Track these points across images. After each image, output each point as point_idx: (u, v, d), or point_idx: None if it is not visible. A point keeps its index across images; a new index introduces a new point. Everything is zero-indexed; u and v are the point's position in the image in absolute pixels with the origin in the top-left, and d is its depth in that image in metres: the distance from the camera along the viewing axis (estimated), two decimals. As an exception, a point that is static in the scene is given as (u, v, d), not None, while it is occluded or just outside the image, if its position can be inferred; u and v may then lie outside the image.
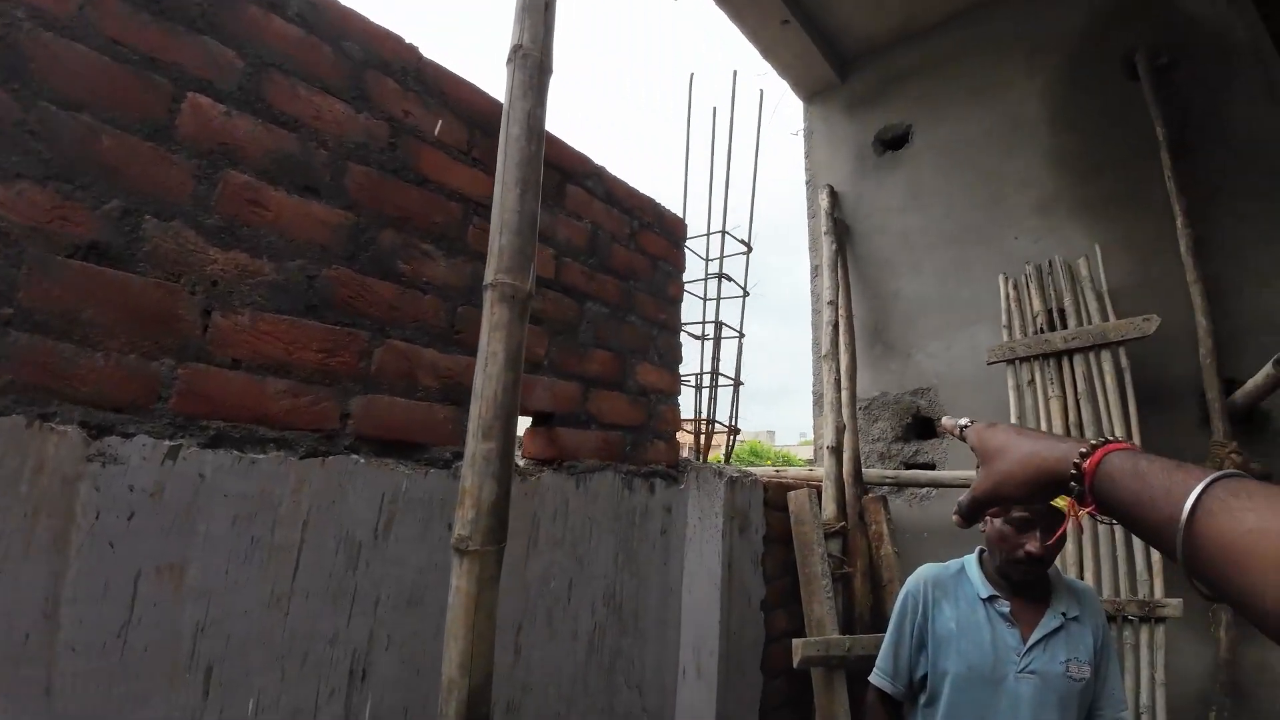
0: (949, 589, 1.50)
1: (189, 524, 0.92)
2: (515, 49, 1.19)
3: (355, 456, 1.12)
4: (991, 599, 1.44)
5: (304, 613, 1.02)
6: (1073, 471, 0.52)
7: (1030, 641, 1.40)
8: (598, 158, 1.76)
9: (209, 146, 1.00)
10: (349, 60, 1.20)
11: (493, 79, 1.43)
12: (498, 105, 1.35)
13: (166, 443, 0.91)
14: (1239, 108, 2.40)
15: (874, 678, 1.54)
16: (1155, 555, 2.00)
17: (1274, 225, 2.24)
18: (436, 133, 1.33)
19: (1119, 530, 2.03)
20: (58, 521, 0.81)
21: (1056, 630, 1.41)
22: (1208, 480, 0.42)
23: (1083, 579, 2.08)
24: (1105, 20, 2.77)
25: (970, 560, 1.54)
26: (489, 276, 1.03)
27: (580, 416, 1.62)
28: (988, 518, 1.43)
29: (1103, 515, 0.51)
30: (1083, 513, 0.52)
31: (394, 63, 1.27)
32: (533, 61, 1.18)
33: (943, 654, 1.43)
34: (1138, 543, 2.01)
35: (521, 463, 1.52)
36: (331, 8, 1.18)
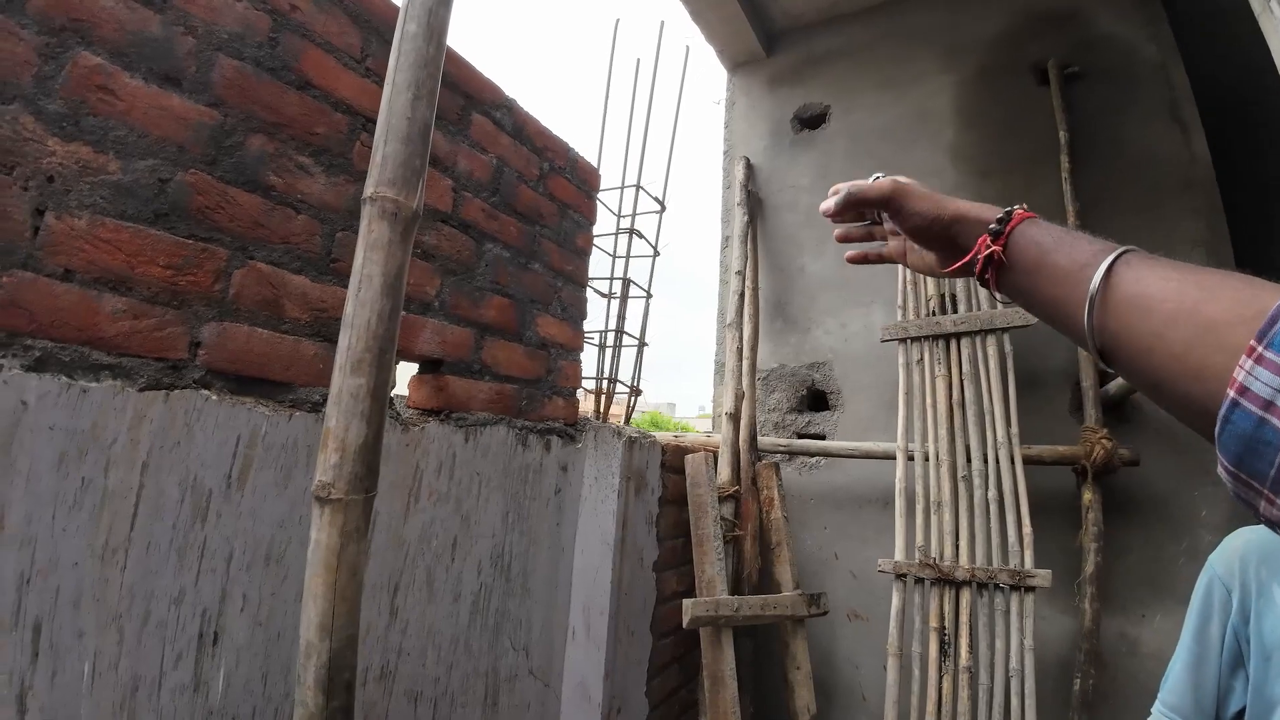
0: None
1: (8, 460, 0.76)
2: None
3: (206, 392, 0.97)
4: None
5: (144, 568, 0.89)
6: (1000, 215, 0.53)
7: None
8: (510, 91, 1.62)
9: (60, 22, 0.83)
10: (226, -64, 1.02)
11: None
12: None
13: (-18, 361, 0.75)
14: (1136, 122, 2.54)
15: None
16: (1026, 528, 2.04)
17: (1150, 235, 2.38)
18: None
19: (994, 503, 2.12)
20: None
21: None
22: (1129, 249, 0.45)
23: (957, 550, 2.13)
24: (1021, 27, 2.88)
25: None
26: (369, 189, 0.90)
27: (473, 365, 1.51)
28: None
29: (1008, 266, 0.52)
30: (995, 248, 0.52)
31: (280, -54, 1.09)
32: (436, -45, 1.04)
33: (1275, 672, 0.81)
34: (1010, 515, 2.09)
35: (406, 412, 1.39)
36: None
